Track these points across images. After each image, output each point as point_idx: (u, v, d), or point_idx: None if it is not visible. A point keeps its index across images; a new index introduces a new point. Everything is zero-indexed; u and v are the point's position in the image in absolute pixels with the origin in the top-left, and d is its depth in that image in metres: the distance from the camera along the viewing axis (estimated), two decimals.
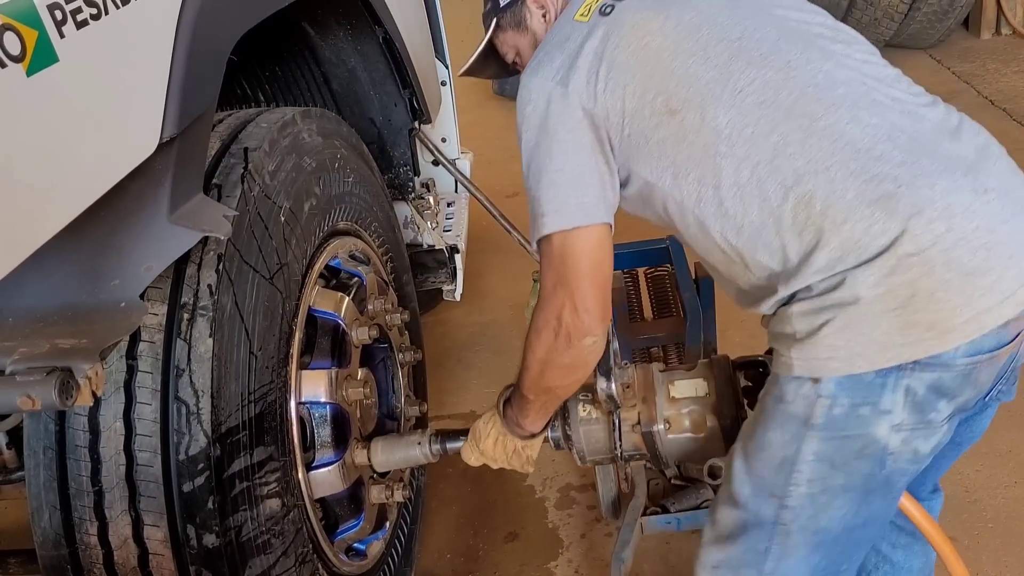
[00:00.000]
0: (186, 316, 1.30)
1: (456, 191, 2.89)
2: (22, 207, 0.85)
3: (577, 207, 1.28)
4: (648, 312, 2.23)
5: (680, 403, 1.54)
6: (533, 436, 1.62)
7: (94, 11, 0.97)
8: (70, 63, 0.92)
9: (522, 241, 3.01)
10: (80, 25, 0.94)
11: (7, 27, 0.84)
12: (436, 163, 2.69)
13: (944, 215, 1.14)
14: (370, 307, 1.82)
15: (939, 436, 1.23)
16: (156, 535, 1.30)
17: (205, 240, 1.29)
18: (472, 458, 1.69)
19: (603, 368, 1.53)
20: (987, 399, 1.29)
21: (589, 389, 1.65)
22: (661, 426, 1.52)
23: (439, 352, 3.11)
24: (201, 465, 1.29)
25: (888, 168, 1.17)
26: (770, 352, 1.33)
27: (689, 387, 1.55)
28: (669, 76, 1.27)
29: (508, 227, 3.01)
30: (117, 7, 1.01)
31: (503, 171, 3.80)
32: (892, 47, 5.28)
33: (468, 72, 1.73)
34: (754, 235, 1.23)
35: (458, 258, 2.55)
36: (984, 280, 1.14)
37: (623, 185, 1.36)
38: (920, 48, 5.33)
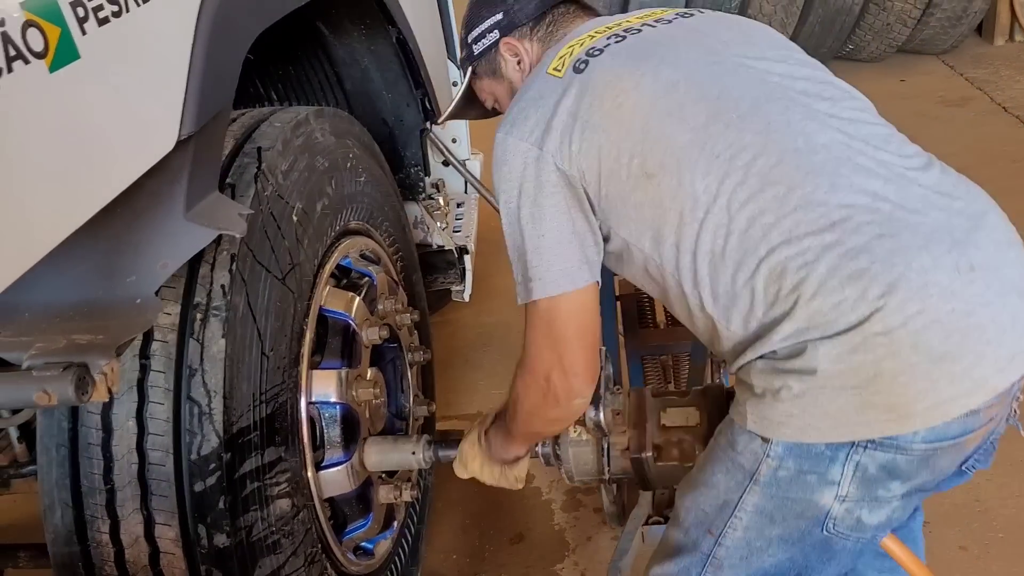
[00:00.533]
0: (199, 316, 1.30)
1: (466, 192, 2.89)
2: (43, 203, 0.85)
3: (561, 273, 1.27)
4: (661, 317, 2.22)
5: (671, 431, 1.53)
6: (518, 459, 1.65)
7: (115, 8, 0.97)
8: (91, 60, 0.92)
9: None
10: (101, 22, 0.95)
11: (31, 23, 0.84)
12: (446, 164, 2.69)
13: (918, 295, 1.09)
14: (380, 307, 1.82)
15: (889, 512, 1.20)
16: (167, 534, 1.30)
17: (219, 240, 1.29)
18: (463, 474, 1.71)
19: (593, 396, 1.54)
20: (962, 468, 1.27)
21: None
22: (650, 453, 1.52)
23: (446, 353, 3.11)
24: (213, 465, 1.29)
25: (864, 241, 1.12)
26: None
27: (681, 415, 1.55)
28: (644, 137, 1.24)
29: None
30: (138, 4, 1.01)
31: None
32: (905, 52, 5.27)
33: (451, 117, 1.74)
34: (728, 303, 1.21)
35: (467, 259, 2.55)
36: (955, 366, 1.10)
37: (605, 240, 1.34)
38: (933, 54, 5.32)
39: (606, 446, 1.54)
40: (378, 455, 1.73)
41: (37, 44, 0.85)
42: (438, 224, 2.55)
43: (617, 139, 1.24)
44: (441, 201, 2.64)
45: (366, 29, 2.10)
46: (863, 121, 1.26)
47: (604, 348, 1.57)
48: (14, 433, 1.95)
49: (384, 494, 1.81)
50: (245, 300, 1.35)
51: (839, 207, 1.14)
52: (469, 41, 1.57)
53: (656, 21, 1.39)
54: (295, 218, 1.50)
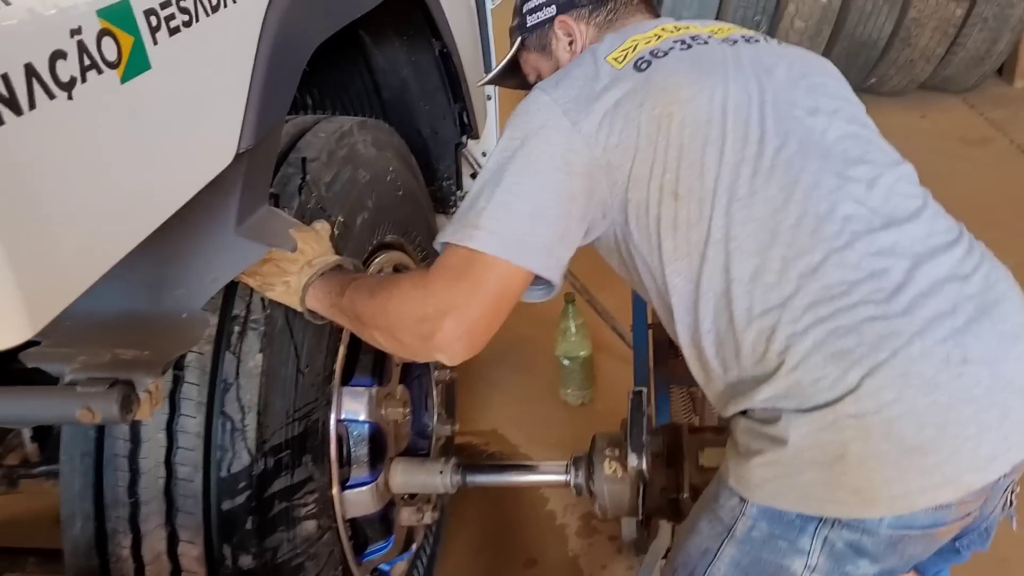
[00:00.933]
0: (236, 329, 1.27)
1: None
2: (111, 215, 0.82)
3: (518, 243, 1.16)
4: None
5: (708, 472, 1.50)
6: (312, 312, 1.32)
7: (186, 18, 0.94)
8: (161, 71, 0.89)
9: None
10: (172, 32, 0.91)
11: (106, 32, 0.81)
12: (474, 176, 2.66)
13: (897, 383, 1.07)
14: None
15: None
16: (191, 552, 1.27)
17: None
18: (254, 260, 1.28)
19: (635, 443, 1.51)
20: (956, 547, 1.25)
21: (617, 445, 1.63)
22: (687, 495, 1.50)
23: (462, 368, 3.06)
24: (243, 483, 1.26)
25: (856, 322, 1.09)
26: None
27: (719, 457, 1.51)
28: (681, 156, 1.20)
29: None
30: (207, 14, 0.98)
31: None
32: (926, 89, 5.26)
33: (490, 83, 1.68)
34: (717, 344, 1.19)
35: None
36: (925, 460, 1.07)
37: (609, 239, 1.30)
38: (954, 92, 5.30)
39: (642, 486, 1.51)
40: (404, 476, 1.70)
41: (111, 53, 0.82)
42: None
43: (656, 148, 1.21)
44: None
45: (408, 40, 2.07)
46: (898, 193, 1.21)
47: (645, 389, 1.54)
48: (27, 432, 1.92)
49: (407, 516, 1.78)
50: (284, 314, 1.32)
51: (841, 282, 1.12)
52: (524, 11, 1.52)
53: (724, 39, 1.35)
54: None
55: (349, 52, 2.12)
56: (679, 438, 1.53)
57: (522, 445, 2.80)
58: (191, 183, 0.96)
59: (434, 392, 1.99)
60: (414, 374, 1.94)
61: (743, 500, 1.18)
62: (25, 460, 1.91)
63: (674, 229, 1.21)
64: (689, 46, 1.31)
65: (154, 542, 1.27)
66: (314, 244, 1.31)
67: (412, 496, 1.86)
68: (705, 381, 1.28)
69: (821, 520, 1.12)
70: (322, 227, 1.37)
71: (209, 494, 1.25)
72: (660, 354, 2.07)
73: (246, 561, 1.28)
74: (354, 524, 1.65)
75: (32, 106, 0.72)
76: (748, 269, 1.15)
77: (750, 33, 1.41)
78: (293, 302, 1.28)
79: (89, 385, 0.96)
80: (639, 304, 2.10)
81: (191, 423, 1.25)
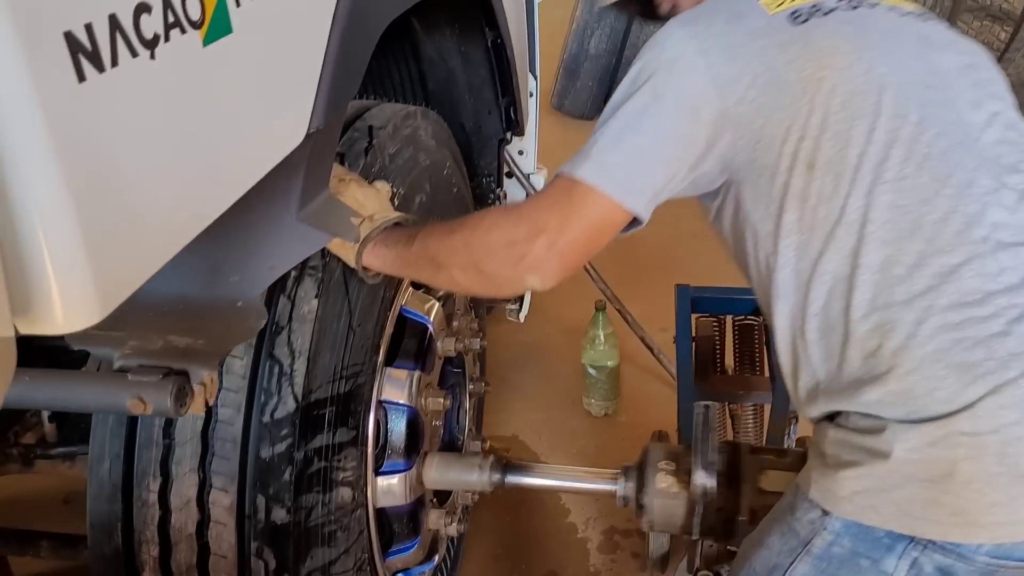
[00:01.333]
0: (293, 273, 1.20)
1: None
2: (187, 189, 0.75)
3: (625, 181, 1.12)
4: (730, 362, 2.11)
5: (768, 495, 1.42)
6: (366, 269, 1.27)
7: None
8: (242, 36, 0.82)
9: (587, 266, 2.92)
10: None
11: None
12: (510, 175, 2.58)
13: (1020, 406, 1.00)
14: (456, 323, 1.72)
15: None
16: (222, 501, 1.19)
17: None
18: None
19: (704, 460, 1.43)
20: None
21: (674, 458, 1.55)
22: (745, 518, 1.42)
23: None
24: (285, 431, 1.18)
25: (987, 335, 1.02)
26: None
27: (781, 481, 1.44)
28: (824, 124, 1.11)
29: None
30: None
31: None
32: None
33: (609, 6, 1.56)
34: (822, 330, 1.11)
35: None
36: None
37: (718, 195, 1.22)
38: None
39: (700, 506, 1.43)
40: (440, 470, 1.61)
41: (195, 12, 0.75)
42: None
43: (798, 111, 1.11)
44: None
45: (460, 29, 2.00)
46: None
47: (714, 404, 1.47)
48: (45, 412, 1.85)
49: (435, 519, 1.70)
50: (341, 266, 1.26)
51: (977, 290, 1.04)
52: None
53: (892, 8, 1.23)
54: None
55: (396, 39, 2.05)
56: (739, 457, 1.46)
57: (543, 453, 2.72)
58: (264, 161, 0.89)
59: (467, 404, 1.91)
60: (448, 381, 1.87)
61: (825, 513, 1.10)
62: (43, 439, 1.84)
63: (802, 201, 1.12)
64: (855, 7, 1.19)
65: (184, 487, 1.19)
66: (374, 201, 1.27)
67: (442, 503, 1.78)
68: (792, 371, 1.19)
69: (912, 540, 1.04)
70: (383, 187, 1.32)
71: (248, 439, 1.18)
72: (702, 368, 2.00)
73: (279, 515, 1.19)
74: (381, 517, 1.57)
75: (115, 63, 0.65)
76: (879, 257, 1.07)
77: (920, 8, 1.28)
78: (348, 256, 1.23)
79: (141, 373, 0.89)
80: (683, 314, 2.03)
81: (236, 364, 1.18)
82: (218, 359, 0.93)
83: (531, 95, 2.60)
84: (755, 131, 1.12)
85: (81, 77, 0.61)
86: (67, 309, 0.63)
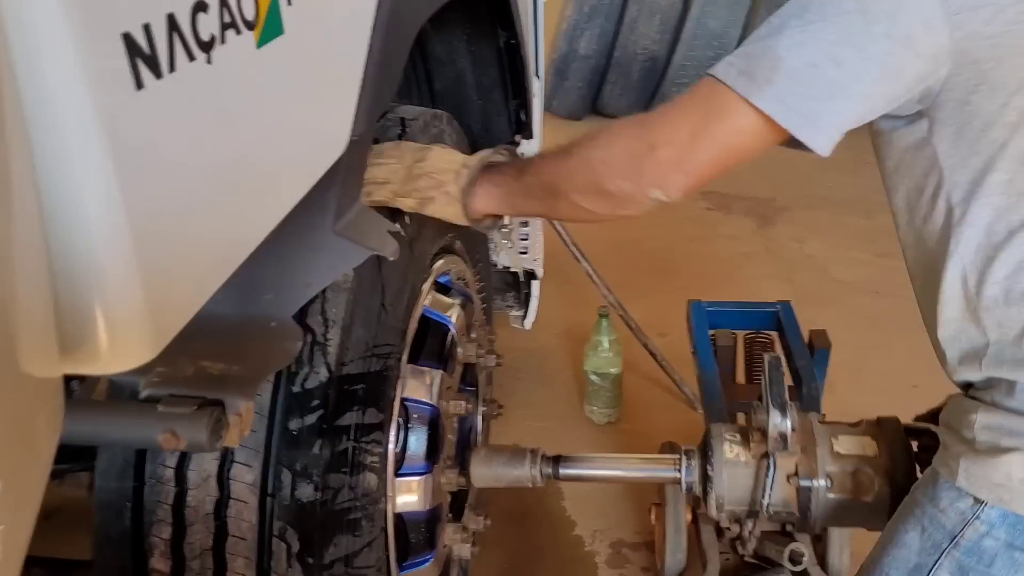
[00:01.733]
0: None
1: None
2: (240, 208, 0.68)
3: (808, 115, 0.98)
4: (740, 377, 2.07)
5: (845, 460, 1.35)
6: (479, 218, 1.21)
7: None
8: (294, 37, 0.74)
9: (591, 272, 2.86)
10: None
11: None
12: None
13: None
14: (474, 334, 1.65)
15: None
16: (245, 476, 1.10)
17: None
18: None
19: (777, 400, 1.34)
20: None
21: (739, 429, 1.48)
22: (823, 482, 1.34)
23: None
24: (316, 402, 1.11)
25: None
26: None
27: (856, 444, 1.37)
28: None
29: (578, 255, 2.85)
30: None
31: None
32: None
33: None
34: (1004, 297, 1.03)
35: (535, 285, 2.37)
36: None
37: (900, 120, 1.08)
38: None
39: (772, 468, 1.35)
40: (485, 464, 1.55)
41: (249, 10, 0.67)
42: (505, 243, 2.37)
43: None
44: (506, 219, 2.47)
45: (471, 28, 1.93)
46: None
47: (780, 357, 1.39)
48: None
49: (451, 534, 1.64)
50: None
51: None
52: None
53: None
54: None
55: None
56: (808, 424, 1.37)
57: None
58: (313, 170, 0.82)
59: (479, 426, 1.83)
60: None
61: (978, 502, 1.03)
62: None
63: (1020, 164, 0.99)
64: None
65: (205, 461, 1.10)
66: (453, 153, 1.20)
67: (458, 517, 1.72)
68: (952, 336, 1.10)
69: None
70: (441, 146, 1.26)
71: (275, 409, 1.10)
72: (722, 375, 1.94)
73: (305, 492, 1.11)
74: (399, 524, 1.50)
75: (172, 68, 0.57)
76: None
77: None
78: (456, 212, 1.17)
79: (172, 404, 0.81)
80: (701, 327, 1.97)
81: None
82: (255, 387, 0.86)
83: (534, 97, 2.54)
84: (981, 72, 0.98)
85: (139, 84, 0.54)
86: (118, 347, 0.56)
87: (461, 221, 1.18)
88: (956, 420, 1.08)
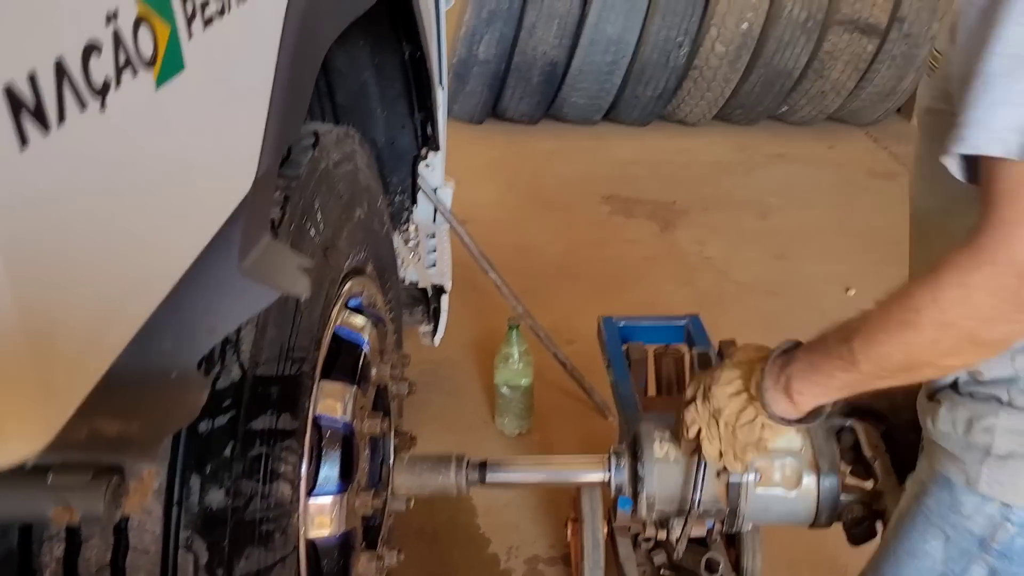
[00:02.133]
0: None
1: (434, 222, 2.68)
2: (142, 262, 0.62)
3: None
4: (651, 390, 2.08)
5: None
6: (787, 420, 1.16)
7: (219, 5, 0.74)
8: (194, 72, 0.68)
9: (500, 283, 2.83)
10: (207, 23, 0.71)
11: (142, 19, 0.60)
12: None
13: None
14: (387, 356, 1.60)
15: None
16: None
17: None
18: (688, 419, 1.25)
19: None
20: None
21: (667, 427, 1.48)
22: (752, 476, 1.35)
23: None
24: (227, 403, 1.04)
25: None
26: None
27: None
28: None
29: (486, 266, 2.82)
30: (238, 2, 0.78)
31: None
32: (832, 120, 5.42)
33: None
34: None
35: (444, 299, 2.33)
36: None
37: None
38: (858, 125, 5.49)
39: (702, 466, 1.33)
40: (408, 471, 1.49)
41: (147, 48, 0.61)
42: (412, 257, 2.32)
43: None
44: (412, 231, 2.42)
45: (374, 40, 1.87)
46: None
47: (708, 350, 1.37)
48: None
49: (364, 563, 1.57)
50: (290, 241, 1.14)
51: None
52: None
53: None
54: (340, 205, 1.32)
55: None
56: None
57: None
58: (218, 214, 0.76)
59: (392, 460, 1.76)
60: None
61: (1006, 505, 1.03)
62: None
63: None
64: None
65: None
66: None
67: (372, 544, 1.65)
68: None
69: None
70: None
71: None
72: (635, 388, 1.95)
73: (215, 498, 1.04)
74: (309, 552, 1.42)
75: (61, 119, 0.51)
76: None
77: None
78: (765, 425, 1.19)
79: (64, 473, 0.73)
80: (613, 342, 1.98)
81: None
82: (157, 447, 0.79)
83: (439, 108, 2.50)
84: None
85: (24, 141, 0.47)
86: (6, 437, 0.49)
87: (779, 423, 1.17)
88: (962, 426, 1.07)
